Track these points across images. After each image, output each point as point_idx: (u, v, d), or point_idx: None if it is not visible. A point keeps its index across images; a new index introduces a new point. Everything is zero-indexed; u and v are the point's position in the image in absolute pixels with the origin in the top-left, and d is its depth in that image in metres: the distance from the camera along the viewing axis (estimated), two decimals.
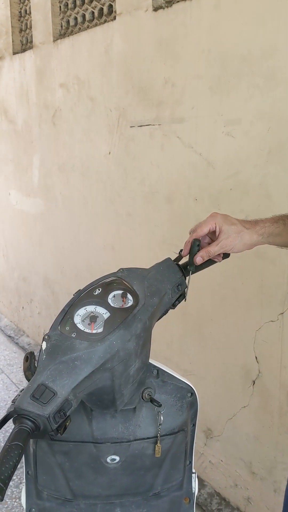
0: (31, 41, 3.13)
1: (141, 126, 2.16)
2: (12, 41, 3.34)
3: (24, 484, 1.10)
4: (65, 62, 2.69)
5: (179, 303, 1.07)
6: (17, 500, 2.10)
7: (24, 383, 3.13)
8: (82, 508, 1.07)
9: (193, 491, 1.14)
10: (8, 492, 2.14)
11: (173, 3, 1.89)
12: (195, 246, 1.01)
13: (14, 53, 3.33)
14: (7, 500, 2.10)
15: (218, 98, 1.74)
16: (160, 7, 1.96)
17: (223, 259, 1.11)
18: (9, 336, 3.90)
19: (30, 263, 3.59)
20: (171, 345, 2.13)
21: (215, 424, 1.97)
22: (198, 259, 1.01)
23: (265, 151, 1.59)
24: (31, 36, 3.12)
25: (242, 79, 1.63)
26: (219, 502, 1.98)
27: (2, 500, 0.71)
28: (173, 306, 1.06)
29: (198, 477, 1.19)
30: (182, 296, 1.07)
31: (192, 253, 1.02)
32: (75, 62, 2.60)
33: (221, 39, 1.70)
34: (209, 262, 1.10)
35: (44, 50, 2.90)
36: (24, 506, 1.10)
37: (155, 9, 1.97)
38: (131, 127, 2.23)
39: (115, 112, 2.32)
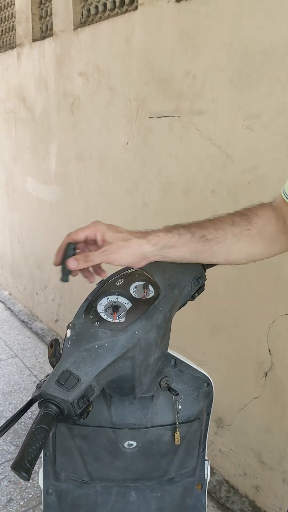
0: (51, 29, 3.14)
1: (160, 117, 2.17)
2: (32, 28, 3.35)
3: (42, 465, 1.14)
4: (85, 51, 2.70)
5: (198, 295, 1.09)
6: (31, 481, 2.16)
7: (37, 367, 3.19)
8: (98, 490, 1.11)
9: (205, 478, 1.17)
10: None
11: None
12: (70, 249, 0.88)
13: (34, 40, 3.33)
14: (21, 481, 2.16)
15: (238, 91, 1.74)
16: None
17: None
18: (23, 321, 3.96)
19: (45, 250, 3.63)
20: (184, 335, 2.16)
21: (226, 414, 2.00)
22: (71, 262, 0.87)
23: (285, 145, 1.60)
24: (51, 23, 3.12)
25: (264, 73, 1.63)
26: (227, 489, 2.02)
27: (28, 480, 0.74)
28: (192, 298, 1.09)
29: None
30: (201, 288, 1.09)
31: (66, 257, 0.89)
32: (95, 51, 2.61)
33: (244, 32, 1.70)
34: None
35: (64, 38, 2.90)
36: (42, 487, 1.14)
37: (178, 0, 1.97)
38: (150, 118, 2.24)
39: (135, 102, 2.33)
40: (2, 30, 3.99)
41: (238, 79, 1.73)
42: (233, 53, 1.74)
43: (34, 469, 0.74)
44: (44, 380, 0.85)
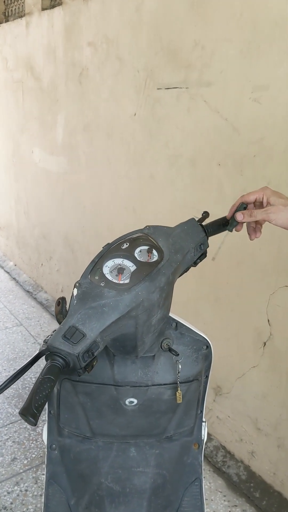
0: None
1: (168, 88, 2.16)
2: None
3: (46, 422, 1.19)
4: (94, 20, 2.68)
5: (200, 261, 1.12)
6: (34, 442, 2.24)
7: (42, 336, 3.25)
8: (99, 446, 1.16)
9: (202, 438, 1.23)
10: (26, 434, 2.28)
11: None
12: (241, 207, 1.06)
13: (43, 9, 3.30)
14: (25, 442, 2.24)
15: (247, 63, 1.74)
16: None
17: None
18: (28, 291, 4.02)
19: (51, 221, 3.66)
20: (187, 305, 2.20)
21: (224, 382, 2.06)
22: (239, 215, 1.05)
23: None
24: None
25: (273, 44, 1.63)
26: (224, 454, 2.09)
27: (35, 425, 0.79)
28: (195, 264, 1.12)
29: None
30: (203, 255, 1.12)
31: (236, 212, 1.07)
32: (104, 20, 2.59)
33: (254, 3, 1.69)
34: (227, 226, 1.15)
35: (74, 7, 2.87)
36: (45, 443, 1.20)
37: None
38: (158, 89, 2.23)
39: (143, 73, 2.32)
40: None
41: (247, 50, 1.73)
42: (243, 24, 1.73)
43: (38, 428, 0.79)
44: (51, 335, 0.89)
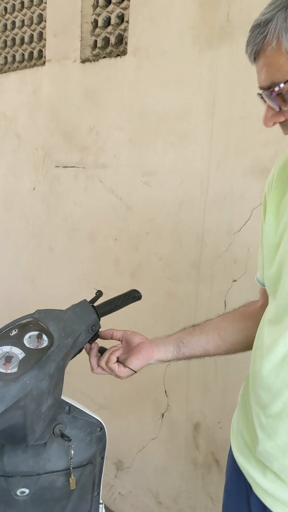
0: None
1: (65, 167, 2.26)
2: None
3: None
4: None
5: (92, 342, 1.16)
6: None
7: None
8: None
9: None
10: None
11: (100, 58, 2.04)
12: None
13: None
14: None
15: (137, 150, 1.88)
16: (88, 60, 2.10)
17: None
18: None
19: None
20: (87, 379, 2.19)
21: (126, 456, 2.04)
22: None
23: (177, 202, 1.75)
24: None
25: (159, 135, 1.79)
26: None
27: None
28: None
29: (107, 508, 1.26)
30: (95, 336, 1.16)
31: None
32: (2, 99, 2.67)
33: (142, 97, 1.86)
34: (122, 304, 1.21)
35: None
36: None
37: (83, 61, 2.11)
38: (56, 167, 2.32)
39: (41, 151, 2.40)
40: None
41: (136, 138, 1.88)
42: (133, 115, 1.89)
43: None
44: None
